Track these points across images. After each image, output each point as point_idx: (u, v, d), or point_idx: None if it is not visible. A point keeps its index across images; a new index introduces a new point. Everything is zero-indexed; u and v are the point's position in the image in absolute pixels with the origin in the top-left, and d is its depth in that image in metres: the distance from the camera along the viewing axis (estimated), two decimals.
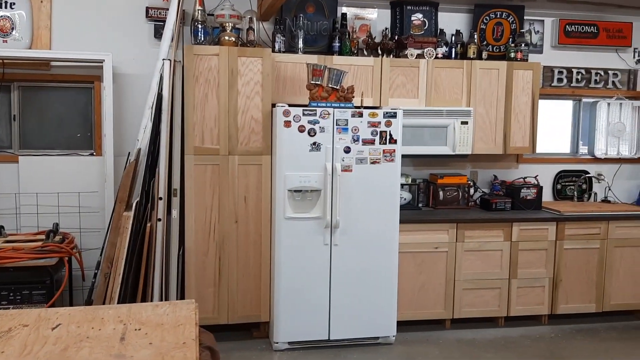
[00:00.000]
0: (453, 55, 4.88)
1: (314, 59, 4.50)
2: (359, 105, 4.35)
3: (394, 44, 4.79)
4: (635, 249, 4.86)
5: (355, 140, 4.13)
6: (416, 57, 4.74)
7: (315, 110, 4.06)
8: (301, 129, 4.05)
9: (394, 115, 4.18)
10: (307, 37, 4.77)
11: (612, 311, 4.92)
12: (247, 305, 4.34)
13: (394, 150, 4.20)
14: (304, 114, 4.05)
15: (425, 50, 4.78)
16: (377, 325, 4.30)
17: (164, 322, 2.33)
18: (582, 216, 4.77)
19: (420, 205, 5.06)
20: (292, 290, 4.14)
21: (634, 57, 5.39)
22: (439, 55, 4.82)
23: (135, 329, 2.26)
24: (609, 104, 5.36)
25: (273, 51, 4.52)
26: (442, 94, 4.77)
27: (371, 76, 4.63)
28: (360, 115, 4.13)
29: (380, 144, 4.17)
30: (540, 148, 5.43)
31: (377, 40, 4.80)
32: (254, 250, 4.30)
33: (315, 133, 4.07)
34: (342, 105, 4.17)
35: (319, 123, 4.07)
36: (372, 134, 4.15)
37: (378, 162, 4.18)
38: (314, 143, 4.07)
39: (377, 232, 4.21)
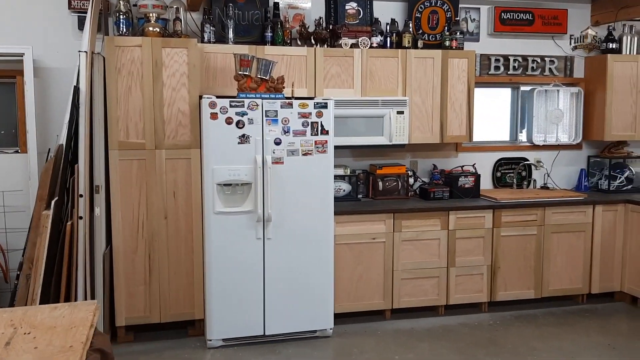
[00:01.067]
0: (388, 45, 4.84)
1: (244, 49, 4.40)
2: (290, 96, 4.26)
3: (328, 33, 4.72)
4: (571, 234, 4.91)
5: (286, 131, 4.05)
6: (351, 47, 4.68)
7: (243, 101, 3.97)
8: (229, 121, 3.95)
9: (325, 106, 4.11)
10: (239, 27, 4.67)
11: (551, 297, 4.97)
12: (180, 303, 4.24)
13: (326, 142, 4.14)
14: (231, 106, 3.95)
15: (360, 39, 4.72)
16: (314, 318, 4.24)
17: (57, 325, 2.22)
18: (518, 203, 4.79)
19: (360, 196, 5.02)
20: (225, 286, 4.06)
21: (570, 43, 5.43)
22: (374, 45, 4.77)
23: (25, 333, 2.15)
24: (546, 91, 5.39)
25: (202, 42, 4.42)
26: (377, 84, 4.72)
27: (305, 66, 4.56)
28: (290, 106, 4.05)
29: (311, 135, 4.10)
30: (481, 136, 5.45)
31: (311, 30, 4.72)
32: (186, 247, 4.20)
33: (244, 125, 3.97)
34: (272, 96, 4.08)
35: (247, 115, 3.98)
36: (303, 125, 4.08)
37: (310, 154, 4.11)
38: (243, 135, 3.98)
39: (311, 224, 4.15)
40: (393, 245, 4.57)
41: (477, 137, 5.36)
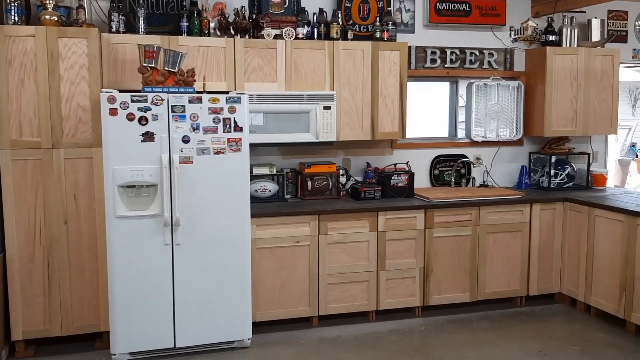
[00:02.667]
0: (315, 36, 4.56)
1: (156, 39, 4.09)
2: (202, 90, 3.96)
3: (250, 23, 4.43)
4: (508, 234, 4.71)
5: (195, 128, 3.76)
6: (274, 38, 4.40)
7: (146, 96, 3.66)
8: (130, 117, 3.64)
9: (238, 101, 3.83)
10: (154, 16, 4.36)
11: (487, 299, 4.76)
12: (84, 314, 3.93)
13: (240, 139, 3.85)
14: (132, 101, 3.64)
15: (284, 30, 4.44)
16: (230, 328, 3.96)
17: None
18: (451, 203, 4.57)
19: (288, 196, 4.75)
20: (130, 296, 3.75)
21: (509, 35, 5.22)
22: (300, 36, 4.49)
23: None
24: (485, 84, 5.18)
25: (110, 31, 4.09)
26: (303, 77, 4.45)
27: (224, 59, 4.26)
28: (200, 100, 3.76)
29: (224, 132, 3.82)
30: (418, 133, 5.22)
31: (231, 19, 4.42)
32: (89, 253, 3.89)
33: (147, 121, 3.67)
34: (178, 90, 3.78)
35: (151, 110, 3.67)
36: (214, 121, 3.79)
37: (223, 152, 3.82)
38: (147, 133, 3.67)
39: (225, 228, 3.87)
40: (318, 248, 4.31)
41: (414, 133, 5.14)
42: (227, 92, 3.93)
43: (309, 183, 4.70)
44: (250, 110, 4.25)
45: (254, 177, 4.54)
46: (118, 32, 4.11)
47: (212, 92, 3.91)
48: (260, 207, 4.34)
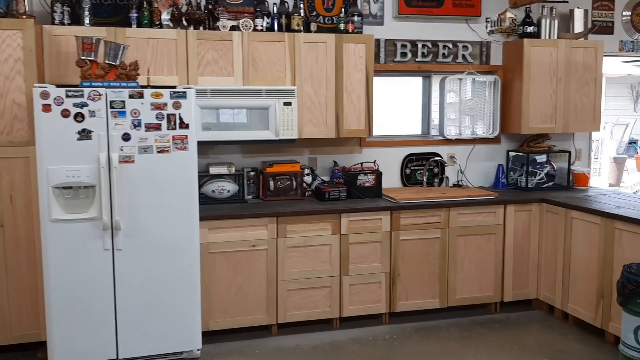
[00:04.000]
0: (276, 28, 4.32)
1: (101, 31, 3.86)
2: (146, 84, 3.72)
3: (205, 14, 4.18)
4: (480, 237, 4.45)
5: (136, 125, 3.52)
6: (231, 30, 4.16)
7: (83, 91, 3.43)
8: (65, 114, 3.41)
9: (183, 96, 3.59)
10: (102, 7, 4.13)
11: (459, 306, 4.51)
12: (23, 322, 3.71)
13: (186, 137, 3.61)
14: (67, 96, 3.41)
15: (241, 21, 4.20)
16: (178, 338, 3.73)
17: None
18: (418, 204, 4.32)
19: (249, 197, 4.51)
20: (68, 304, 3.52)
21: (485, 27, 4.96)
22: (259, 28, 4.24)
23: None
24: (460, 79, 4.92)
25: (53, 23, 3.86)
26: (261, 72, 4.20)
27: (175, 52, 4.03)
28: (141, 95, 3.52)
29: (168, 129, 3.58)
30: (391, 130, 4.97)
31: (184, 10, 4.18)
32: (27, 258, 3.67)
33: (84, 118, 3.43)
34: (119, 84, 3.54)
35: (87, 106, 3.43)
36: (157, 117, 3.55)
37: (167, 151, 3.59)
38: (83, 130, 3.44)
39: (171, 232, 3.63)
40: (277, 252, 4.07)
41: (386, 130, 4.90)
42: (171, 87, 3.68)
43: (271, 183, 4.45)
44: (204, 106, 4.03)
45: (211, 177, 4.31)
46: (62, 23, 3.89)
47: (158, 86, 3.67)
48: (217, 208, 4.11)
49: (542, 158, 4.98)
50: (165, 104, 3.55)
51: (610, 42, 5.24)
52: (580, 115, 4.90)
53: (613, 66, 11.53)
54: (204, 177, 4.31)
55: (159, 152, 3.57)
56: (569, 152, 5.04)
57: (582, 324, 4.22)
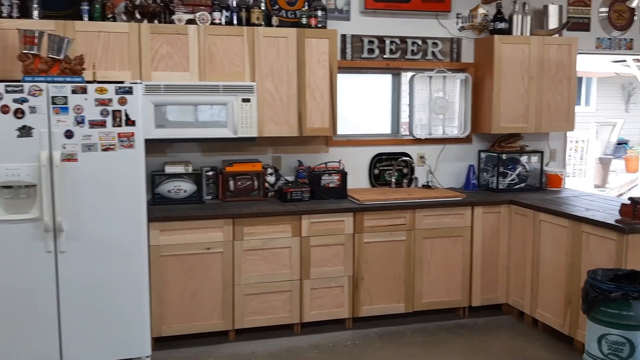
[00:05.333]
0: (235, 22, 4.16)
1: (50, 25, 3.71)
2: (92, 79, 3.56)
3: (160, 7, 4.03)
4: (447, 239, 4.31)
5: (80, 122, 3.37)
6: (187, 23, 4.01)
7: (23, 86, 3.27)
8: (5, 110, 3.25)
9: (129, 91, 3.43)
10: (53, 0, 3.96)
11: (425, 310, 4.36)
12: None
13: (133, 134, 3.46)
14: (7, 92, 3.25)
15: (198, 14, 4.05)
16: (126, 345, 3.57)
17: None
18: (382, 205, 4.17)
19: (208, 197, 4.35)
20: (9, 309, 3.37)
21: (456, 24, 4.81)
22: (217, 21, 4.09)
23: None
24: (430, 77, 4.77)
25: (0, 16, 3.71)
26: (219, 67, 4.05)
27: (127, 46, 3.87)
28: (84, 91, 3.36)
29: (113, 126, 3.42)
30: (359, 129, 4.82)
31: (139, 3, 4.02)
32: None
33: (24, 114, 3.28)
34: (60, 79, 3.38)
35: (28, 102, 3.28)
36: (102, 114, 3.40)
37: (112, 149, 3.43)
38: (23, 127, 3.28)
39: (117, 234, 3.48)
40: (233, 255, 3.92)
41: (354, 129, 4.75)
42: (120, 82, 3.52)
43: (231, 183, 4.30)
44: (157, 103, 3.88)
45: (167, 177, 4.15)
46: (10, 17, 3.74)
47: (103, 81, 3.51)
48: (172, 209, 3.95)
49: (514, 158, 4.83)
50: (111, 100, 3.40)
51: (586, 39, 5.10)
52: (554, 115, 4.75)
53: (601, 66, 11.44)
54: (160, 176, 4.15)
55: (103, 150, 3.41)
56: (542, 153, 4.89)
57: (551, 330, 4.07)
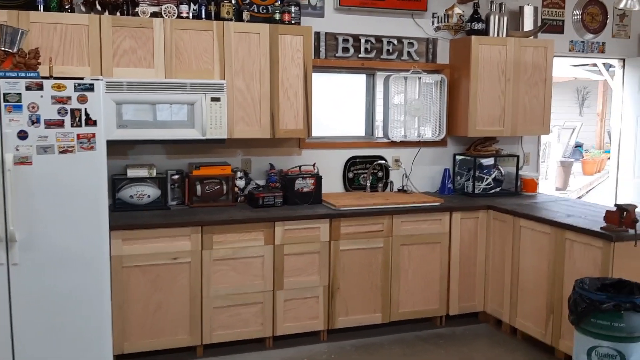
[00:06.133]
0: (204, 15, 3.90)
1: (2, 15, 3.38)
2: (49, 75, 3.25)
3: None
4: (425, 246, 4.16)
5: (35, 121, 3.05)
6: (152, 16, 3.73)
7: None
8: None
9: (90, 88, 3.14)
10: None
11: (402, 320, 4.20)
12: None
13: (94, 135, 3.16)
14: None
15: (164, 7, 3.79)
16: None
17: None
18: (359, 211, 3.99)
19: (173, 203, 4.09)
20: None
21: (432, 24, 4.67)
22: (184, 15, 3.83)
23: None
24: (405, 78, 4.61)
25: None
26: (187, 63, 3.79)
27: (87, 39, 3.57)
28: (40, 87, 3.05)
29: (72, 126, 3.12)
30: (333, 131, 4.63)
31: None
32: None
33: None
34: (13, 74, 3.06)
35: None
36: (59, 113, 3.09)
37: (71, 151, 3.13)
38: None
39: (76, 244, 3.17)
40: (202, 266, 3.66)
41: (328, 131, 4.56)
42: (78, 78, 3.22)
43: (198, 187, 4.04)
44: (119, 101, 3.60)
45: (129, 181, 3.86)
46: None
47: (61, 77, 3.21)
48: (135, 216, 3.67)
49: (489, 162, 4.73)
50: (69, 98, 3.10)
51: (560, 42, 5.05)
52: (530, 118, 4.67)
53: (561, 70, 11.60)
54: (122, 180, 3.86)
55: (61, 152, 3.10)
56: (517, 157, 4.80)
57: (531, 339, 3.97)
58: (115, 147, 3.85)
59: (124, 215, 3.67)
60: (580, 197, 10.12)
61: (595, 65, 12.73)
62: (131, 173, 3.85)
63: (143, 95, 3.64)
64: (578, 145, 14.44)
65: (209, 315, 3.70)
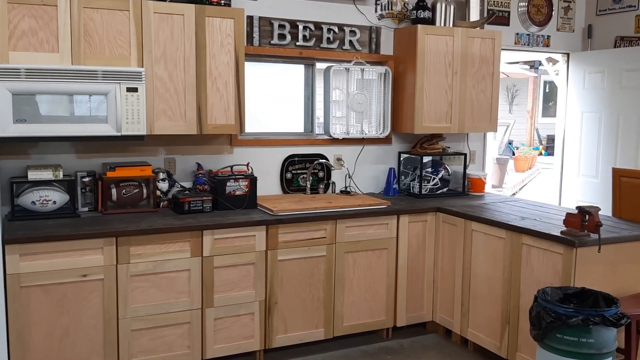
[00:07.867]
0: None
1: None
2: None
3: None
4: (371, 253, 3.80)
5: None
6: None
7: None
8: None
9: None
10: None
11: (347, 335, 3.83)
12: None
13: None
14: None
15: None
16: None
17: None
18: (300, 216, 3.58)
19: (84, 209, 3.55)
20: None
21: (375, 11, 4.32)
22: None
23: None
24: (347, 69, 4.24)
25: None
26: (98, 48, 3.26)
27: None
28: None
29: None
30: (268, 126, 4.20)
31: None
32: None
33: None
34: None
35: None
36: None
37: None
38: None
39: None
40: (117, 283, 3.15)
41: (263, 127, 4.12)
42: None
43: (114, 192, 3.51)
44: (16, 91, 3.06)
45: (31, 184, 3.30)
46: None
47: None
48: (38, 225, 3.12)
49: (435, 161, 4.43)
50: None
51: (506, 35, 4.81)
52: (477, 114, 4.41)
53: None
54: (22, 184, 3.30)
55: None
56: (465, 155, 4.53)
57: (483, 351, 3.69)
58: (13, 146, 3.33)
59: (24, 225, 3.11)
60: (514, 194, 10.13)
61: (525, 63, 12.90)
62: (33, 175, 3.28)
63: (45, 84, 3.09)
64: (509, 143, 14.62)
65: (127, 340, 3.20)
